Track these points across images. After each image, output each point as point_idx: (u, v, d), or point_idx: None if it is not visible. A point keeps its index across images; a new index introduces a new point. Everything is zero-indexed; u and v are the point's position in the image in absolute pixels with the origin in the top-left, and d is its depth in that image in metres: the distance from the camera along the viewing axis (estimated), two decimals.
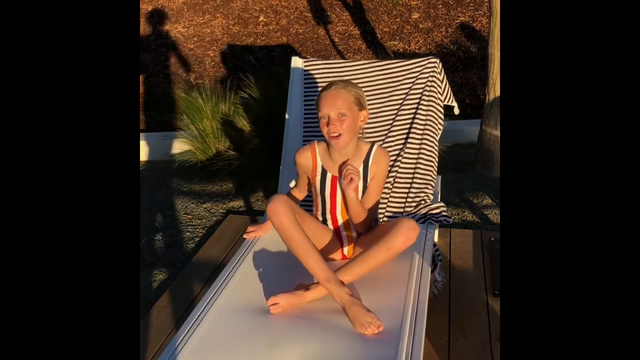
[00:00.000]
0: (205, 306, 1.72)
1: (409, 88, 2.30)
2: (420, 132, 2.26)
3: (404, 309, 1.64)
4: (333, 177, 1.88)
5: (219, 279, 1.86)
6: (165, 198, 3.39)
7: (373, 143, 1.90)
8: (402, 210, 2.18)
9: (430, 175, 2.23)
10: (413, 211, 2.16)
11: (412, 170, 2.22)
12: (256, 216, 3.03)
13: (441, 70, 2.32)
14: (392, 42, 5.26)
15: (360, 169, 1.86)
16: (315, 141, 1.93)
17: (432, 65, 2.31)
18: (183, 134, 3.61)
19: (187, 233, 2.94)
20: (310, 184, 1.99)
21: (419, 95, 2.29)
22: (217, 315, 1.67)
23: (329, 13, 5.71)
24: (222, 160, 3.43)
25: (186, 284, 2.43)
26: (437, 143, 2.27)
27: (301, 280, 1.81)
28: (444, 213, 2.13)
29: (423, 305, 1.65)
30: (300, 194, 2.07)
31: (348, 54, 5.17)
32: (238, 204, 3.24)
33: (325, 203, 1.92)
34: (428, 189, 2.20)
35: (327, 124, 1.77)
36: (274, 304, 1.66)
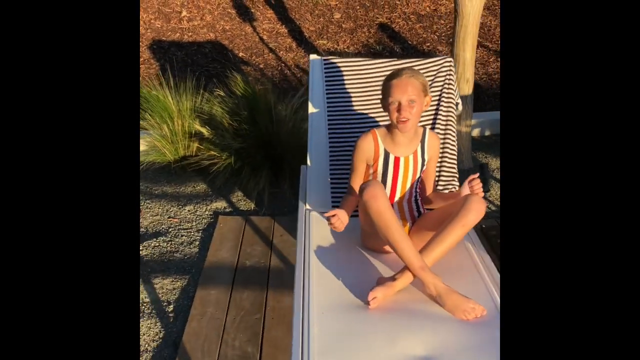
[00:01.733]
0: (304, 308, 1.71)
1: (429, 86, 2.44)
2: (443, 128, 2.41)
3: (488, 291, 1.78)
4: (396, 158, 2.00)
5: (297, 281, 1.85)
6: (141, 202, 3.19)
7: (425, 127, 2.05)
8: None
9: (455, 170, 2.39)
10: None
11: (438, 166, 2.36)
12: (248, 216, 2.98)
13: (453, 70, 2.49)
14: (320, 41, 5.37)
15: (419, 149, 2.02)
16: (374, 128, 2.05)
17: (448, 64, 2.47)
18: (149, 134, 3.41)
19: (184, 237, 2.82)
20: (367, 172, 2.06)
21: (438, 94, 2.44)
22: (321, 314, 1.68)
23: (252, 10, 5.67)
24: (196, 160, 3.31)
25: (213, 289, 2.35)
26: (456, 139, 2.44)
27: (374, 273, 1.87)
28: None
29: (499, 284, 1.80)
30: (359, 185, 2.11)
31: (281, 52, 5.19)
32: (221, 205, 3.16)
33: (385, 185, 2.02)
34: (454, 181, 2.36)
35: (398, 110, 1.89)
36: (374, 298, 1.70)
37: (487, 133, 4.26)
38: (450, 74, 2.47)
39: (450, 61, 2.49)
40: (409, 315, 1.68)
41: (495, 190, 3.35)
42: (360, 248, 2.05)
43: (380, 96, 1.98)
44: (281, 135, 3.23)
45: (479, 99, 4.66)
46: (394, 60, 2.51)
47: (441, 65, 2.47)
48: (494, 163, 3.68)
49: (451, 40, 5.41)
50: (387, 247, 2.01)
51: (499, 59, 5.44)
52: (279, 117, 3.26)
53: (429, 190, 2.16)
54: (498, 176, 3.53)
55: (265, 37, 5.38)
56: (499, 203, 3.18)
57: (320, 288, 1.81)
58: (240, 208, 3.15)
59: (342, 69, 2.48)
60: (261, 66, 5.01)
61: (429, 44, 5.54)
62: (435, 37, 5.65)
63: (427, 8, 6.05)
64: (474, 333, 1.60)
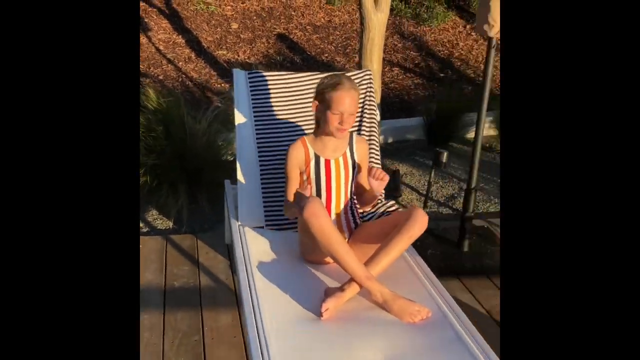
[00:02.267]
0: (257, 327, 1.70)
1: None
2: (367, 135, 2.50)
3: (428, 293, 1.88)
4: (326, 161, 2.07)
5: (246, 301, 1.83)
6: None
7: (351, 132, 2.14)
8: (361, 211, 2.38)
9: None
10: (372, 210, 2.39)
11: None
12: (168, 235, 2.88)
13: (372, 82, 2.60)
14: (220, 52, 5.31)
15: (347, 152, 2.11)
16: (304, 136, 2.11)
17: (368, 76, 2.57)
18: None
19: None
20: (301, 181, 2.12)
21: (361, 105, 2.52)
22: (277, 331, 1.68)
23: (146, 20, 5.47)
24: None
25: (145, 313, 2.25)
26: (379, 146, 2.54)
27: (320, 284, 1.90)
28: (399, 210, 2.41)
29: (441, 286, 1.91)
30: (294, 189, 2.12)
31: (180, 63, 5.06)
32: None
33: (320, 191, 2.07)
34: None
35: (341, 120, 1.96)
36: (327, 310, 1.73)
37: (390, 140, 4.45)
38: (370, 85, 2.57)
39: (370, 73, 2.60)
40: (361, 324, 1.73)
41: (406, 195, 3.52)
42: (301, 260, 2.07)
43: (308, 107, 2.04)
44: (197, 150, 3.16)
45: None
46: (319, 74, 2.56)
47: (362, 78, 2.57)
48: (402, 169, 3.86)
49: (347, 50, 5.58)
50: (328, 258, 2.05)
51: (392, 69, 5.72)
52: (192, 130, 3.19)
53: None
54: (406, 182, 3.71)
55: (162, 48, 5.22)
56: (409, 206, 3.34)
57: (270, 305, 1.80)
58: (158, 227, 3.03)
59: (269, 82, 2.49)
60: (161, 77, 4.85)
61: (327, 55, 5.69)
62: (333, 47, 5.81)
63: (322, 19, 6.21)
64: (423, 334, 1.68)
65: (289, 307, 1.80)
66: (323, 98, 1.99)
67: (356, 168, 2.13)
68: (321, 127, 2.04)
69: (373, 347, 1.62)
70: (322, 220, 1.79)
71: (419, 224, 1.88)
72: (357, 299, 1.84)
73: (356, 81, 2.57)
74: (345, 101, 1.94)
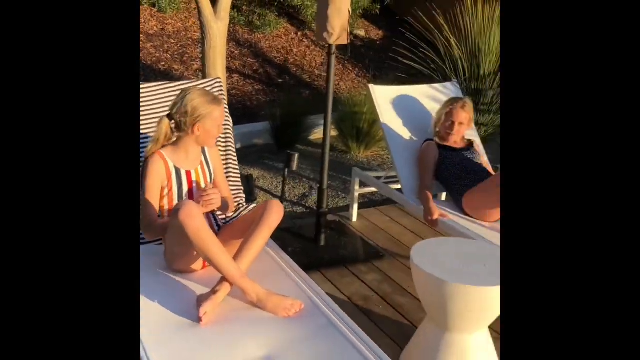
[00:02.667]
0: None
1: None
2: (224, 144, 2.54)
3: (297, 286, 1.99)
4: (187, 172, 2.12)
5: None
6: None
7: None
8: (224, 216, 2.43)
9: (239, 183, 2.54)
10: (235, 215, 2.45)
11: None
12: None
13: (223, 89, 2.65)
14: None
15: (203, 160, 2.19)
16: (159, 150, 2.10)
17: (218, 85, 2.61)
18: None
19: None
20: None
21: None
22: (158, 343, 1.67)
23: None
24: None
25: None
26: (236, 154, 2.60)
27: (189, 292, 1.93)
28: None
29: (309, 279, 2.04)
30: (156, 207, 2.09)
31: None
32: None
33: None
34: (240, 193, 2.52)
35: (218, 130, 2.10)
36: (205, 313, 1.76)
37: (238, 146, 4.52)
38: (221, 93, 2.62)
39: (219, 81, 2.64)
40: (240, 323, 1.79)
41: (261, 197, 3.62)
42: (167, 271, 2.06)
43: (162, 117, 2.07)
44: None
45: None
46: (168, 83, 2.54)
47: (212, 86, 2.61)
48: (254, 173, 3.96)
49: (185, 58, 5.58)
50: (194, 266, 2.06)
51: (232, 76, 5.78)
52: None
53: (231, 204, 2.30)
54: (260, 185, 3.81)
55: None
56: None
57: (145, 318, 1.78)
58: None
59: None
60: None
61: (164, 63, 5.57)
62: (169, 56, 5.71)
63: (155, 27, 6.06)
64: (299, 325, 1.79)
65: (165, 318, 1.79)
66: (197, 111, 2.04)
67: (212, 176, 2.20)
68: (184, 140, 2.08)
69: (254, 343, 1.68)
70: (198, 221, 1.81)
71: (275, 213, 1.99)
72: (233, 300, 1.89)
73: (207, 89, 2.60)
74: (222, 113, 2.09)
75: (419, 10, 6.27)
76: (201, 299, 1.84)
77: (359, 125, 4.49)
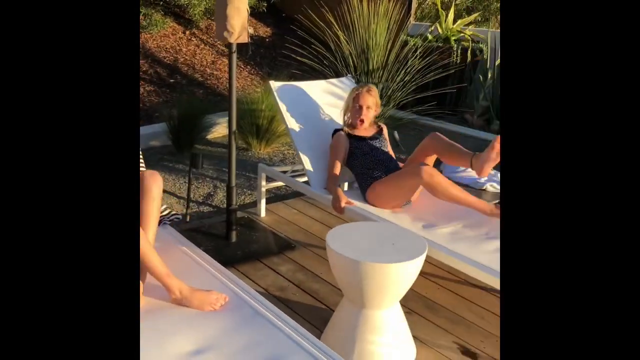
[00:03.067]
0: None
1: None
2: None
3: (218, 280, 2.04)
4: None
5: None
6: None
7: None
8: None
9: None
10: None
11: None
12: None
13: None
14: None
15: None
16: None
17: None
18: None
19: None
20: None
21: None
22: None
23: None
24: None
25: None
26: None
27: None
28: (172, 213, 2.49)
29: (229, 273, 2.10)
30: None
31: None
32: None
33: None
34: None
35: None
36: None
37: None
38: None
39: None
40: (169, 321, 1.80)
41: (166, 199, 3.57)
42: None
43: None
44: None
45: None
46: None
47: None
48: None
49: None
50: None
51: None
52: None
53: None
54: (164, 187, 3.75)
55: None
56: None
57: None
58: None
59: None
60: None
61: None
62: None
63: None
64: (226, 317, 1.84)
65: None
66: None
67: None
68: None
69: (184, 339, 1.71)
70: None
71: (155, 185, 2.07)
72: (158, 299, 1.90)
73: None
74: None
75: (308, 8, 6.42)
76: None
77: (257, 122, 4.55)
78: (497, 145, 2.54)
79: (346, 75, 3.60)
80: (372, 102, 2.96)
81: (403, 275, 1.95)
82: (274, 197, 3.79)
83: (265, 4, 7.69)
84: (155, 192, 1.99)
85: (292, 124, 3.15)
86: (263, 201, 3.38)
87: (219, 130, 5.15)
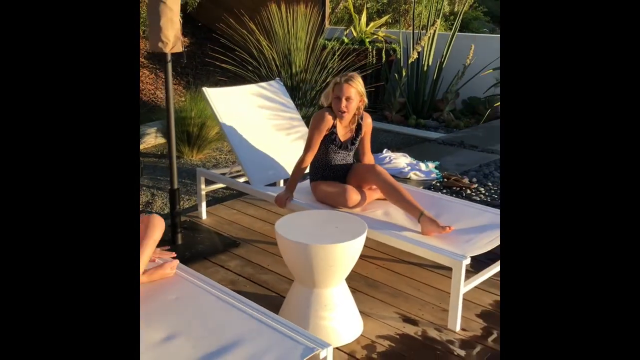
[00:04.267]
0: None
1: None
2: None
3: (178, 276, 2.17)
4: None
5: None
6: None
7: None
8: None
9: None
10: None
11: None
12: None
13: None
14: None
15: None
16: None
17: None
18: None
19: None
20: None
21: None
22: None
23: None
24: None
25: None
26: None
27: None
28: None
29: (184, 266, 2.23)
30: None
31: None
32: None
33: None
34: None
35: None
36: None
37: None
38: None
39: None
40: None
41: None
42: None
43: None
44: None
45: None
46: None
47: None
48: None
49: None
50: None
51: None
52: None
53: None
54: None
55: None
56: None
57: None
58: None
59: None
60: None
61: None
62: None
63: None
64: (191, 306, 1.97)
65: None
66: None
67: None
68: None
69: (152, 329, 1.84)
70: None
71: (159, 228, 2.15)
72: None
73: None
74: None
75: (228, 16, 6.55)
76: None
77: (188, 130, 4.64)
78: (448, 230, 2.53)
79: (275, 78, 3.79)
80: (353, 92, 2.79)
81: (348, 253, 2.17)
82: (212, 200, 3.91)
83: (182, 14, 7.72)
84: (158, 236, 2.12)
85: (228, 127, 3.30)
86: (203, 204, 3.50)
87: (148, 140, 5.18)
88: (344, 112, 2.82)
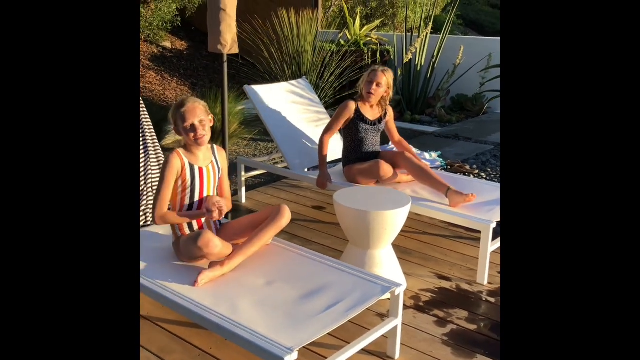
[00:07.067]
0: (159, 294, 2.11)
1: None
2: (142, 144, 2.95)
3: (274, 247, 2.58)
4: (199, 168, 2.42)
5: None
6: None
7: (212, 143, 2.55)
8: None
9: None
10: None
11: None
12: None
13: None
14: None
15: (213, 160, 2.51)
16: (177, 149, 2.41)
17: None
18: None
19: None
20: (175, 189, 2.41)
21: None
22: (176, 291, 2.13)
23: None
24: None
25: None
26: None
27: (194, 271, 2.38)
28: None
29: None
30: (168, 199, 2.40)
31: None
32: None
33: (194, 194, 2.43)
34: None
35: (193, 130, 2.35)
36: (202, 279, 2.20)
37: None
38: None
39: None
40: (241, 271, 2.32)
41: None
42: (172, 260, 2.45)
43: None
44: None
45: None
46: None
47: None
48: None
49: None
50: (199, 264, 2.40)
51: None
52: None
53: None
54: None
55: None
56: None
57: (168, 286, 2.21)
58: None
59: None
60: None
61: None
62: None
63: None
64: (279, 263, 2.39)
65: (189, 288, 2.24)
66: (175, 118, 2.37)
67: (219, 173, 2.54)
68: (187, 142, 2.39)
69: (253, 279, 2.24)
70: (216, 246, 2.26)
71: (286, 217, 2.46)
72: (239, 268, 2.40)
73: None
74: (190, 113, 2.34)
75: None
76: (210, 266, 2.27)
77: (212, 126, 5.02)
78: (472, 197, 3.02)
79: (303, 77, 4.23)
80: (383, 81, 3.32)
81: (398, 219, 2.61)
82: (247, 187, 4.32)
83: (180, 19, 8.06)
84: (283, 223, 2.42)
85: (269, 118, 3.73)
86: (243, 189, 3.91)
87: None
88: (372, 94, 3.32)
